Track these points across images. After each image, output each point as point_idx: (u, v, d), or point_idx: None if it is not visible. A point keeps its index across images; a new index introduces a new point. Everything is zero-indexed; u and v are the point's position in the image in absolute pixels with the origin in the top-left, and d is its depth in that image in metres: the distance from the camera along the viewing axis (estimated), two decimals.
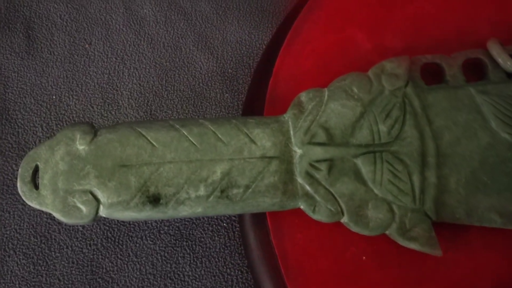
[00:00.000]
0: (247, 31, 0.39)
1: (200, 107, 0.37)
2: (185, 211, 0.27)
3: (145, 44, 0.38)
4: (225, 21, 0.39)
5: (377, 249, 0.29)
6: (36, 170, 0.27)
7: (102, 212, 0.27)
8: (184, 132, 0.28)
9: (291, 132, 0.28)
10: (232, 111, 0.36)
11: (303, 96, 0.29)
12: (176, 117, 0.36)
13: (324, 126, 0.28)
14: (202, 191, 0.27)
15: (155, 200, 0.27)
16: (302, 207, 0.28)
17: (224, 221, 0.34)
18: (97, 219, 0.27)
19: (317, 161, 0.28)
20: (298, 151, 0.28)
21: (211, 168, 0.27)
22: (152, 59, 0.38)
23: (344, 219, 0.28)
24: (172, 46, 0.38)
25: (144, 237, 0.34)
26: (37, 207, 0.27)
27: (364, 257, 0.28)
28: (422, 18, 0.33)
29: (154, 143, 0.28)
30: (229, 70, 0.38)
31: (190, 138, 0.28)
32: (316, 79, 0.31)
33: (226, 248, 0.34)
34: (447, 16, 0.33)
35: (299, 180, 0.28)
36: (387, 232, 0.28)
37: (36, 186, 0.27)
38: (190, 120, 0.28)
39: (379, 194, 0.28)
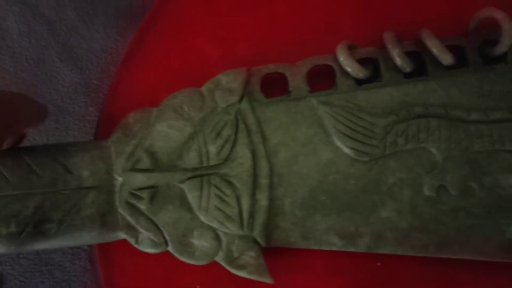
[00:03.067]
0: (113, 38, 0.37)
1: (63, 123, 0.35)
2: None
3: (7, 58, 0.37)
4: (91, 28, 0.37)
5: (212, 276, 0.27)
6: None
7: None
8: None
9: (113, 159, 0.27)
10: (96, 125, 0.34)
11: (130, 118, 0.27)
12: (38, 136, 0.35)
13: (149, 150, 0.27)
14: (13, 228, 0.26)
15: None
16: (125, 238, 0.26)
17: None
18: None
19: (139, 189, 0.26)
20: (119, 179, 0.26)
21: (23, 202, 0.26)
22: (14, 73, 0.36)
23: (169, 249, 0.26)
24: (35, 58, 0.37)
25: (2, 262, 0.33)
26: None
27: (198, 287, 0.27)
28: (275, 22, 0.31)
29: None
30: (94, 81, 0.36)
31: (2, 171, 0.26)
32: (159, 95, 0.29)
33: (86, 272, 0.33)
34: (303, 18, 0.31)
35: (120, 210, 0.26)
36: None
37: None
38: (6, 151, 0.27)
39: (205, 221, 0.26)
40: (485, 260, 0.27)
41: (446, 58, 0.27)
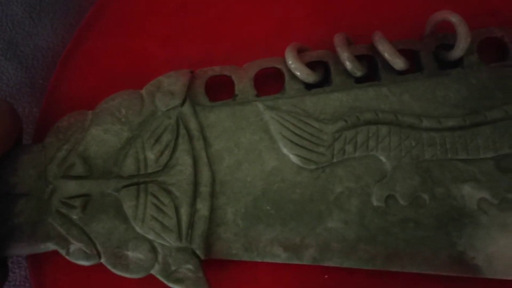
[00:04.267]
0: (61, 35, 0.35)
1: None
2: None
3: None
4: (38, 25, 0.35)
5: None
6: None
7: None
8: None
9: (44, 164, 0.25)
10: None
11: (64, 121, 0.26)
12: None
13: (83, 155, 0.25)
14: None
15: None
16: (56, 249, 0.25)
17: None
18: None
19: (71, 197, 0.25)
20: (50, 186, 0.25)
21: None
22: None
23: (102, 261, 0.25)
24: None
25: None
26: None
27: None
28: (225, 23, 0.29)
29: None
30: (40, 81, 0.34)
31: None
32: (99, 97, 0.28)
33: (27, 281, 0.31)
34: (254, 19, 0.29)
35: (50, 220, 0.25)
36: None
37: None
38: None
39: (141, 232, 0.25)
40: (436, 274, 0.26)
41: (398, 63, 0.26)
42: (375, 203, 0.25)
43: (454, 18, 0.27)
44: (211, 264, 0.26)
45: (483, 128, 0.26)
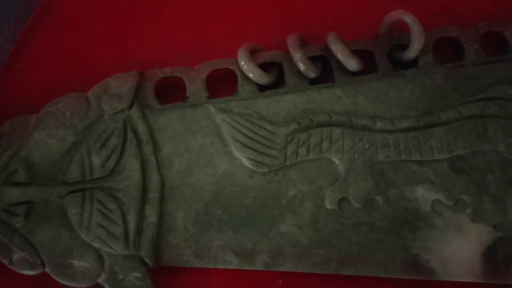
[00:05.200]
0: (10, 38, 0.34)
1: None
2: None
3: None
4: None
5: None
6: None
7: None
8: None
9: None
10: None
11: (7, 126, 0.25)
12: None
13: (25, 161, 0.24)
14: None
15: None
16: None
17: None
18: None
19: (13, 204, 0.24)
20: None
21: None
22: None
23: (47, 271, 0.24)
24: None
25: None
26: None
27: None
28: (178, 23, 0.28)
29: None
30: None
31: None
32: (44, 100, 0.27)
33: None
34: (208, 19, 0.29)
35: None
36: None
37: None
38: None
39: (87, 240, 0.24)
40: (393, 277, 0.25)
41: (351, 64, 0.26)
42: (328, 206, 0.25)
43: (408, 18, 0.26)
44: (163, 271, 0.25)
45: (437, 129, 0.25)
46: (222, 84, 0.27)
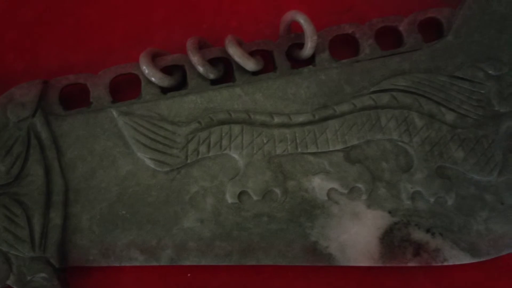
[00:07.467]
0: None
1: None
2: None
3: None
4: None
5: None
6: None
7: None
8: None
9: None
10: None
11: None
12: None
13: None
14: None
15: None
16: None
17: None
18: None
19: None
20: None
21: None
22: None
23: None
24: None
25: None
26: None
27: None
28: (84, 30, 0.29)
29: None
30: None
31: None
32: None
33: None
34: (113, 26, 0.30)
35: None
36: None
37: None
38: None
39: None
40: (296, 265, 0.26)
41: (249, 64, 0.27)
42: (229, 200, 0.26)
43: (300, 18, 0.27)
44: (75, 271, 0.26)
45: (332, 122, 0.27)
46: (128, 88, 0.28)
